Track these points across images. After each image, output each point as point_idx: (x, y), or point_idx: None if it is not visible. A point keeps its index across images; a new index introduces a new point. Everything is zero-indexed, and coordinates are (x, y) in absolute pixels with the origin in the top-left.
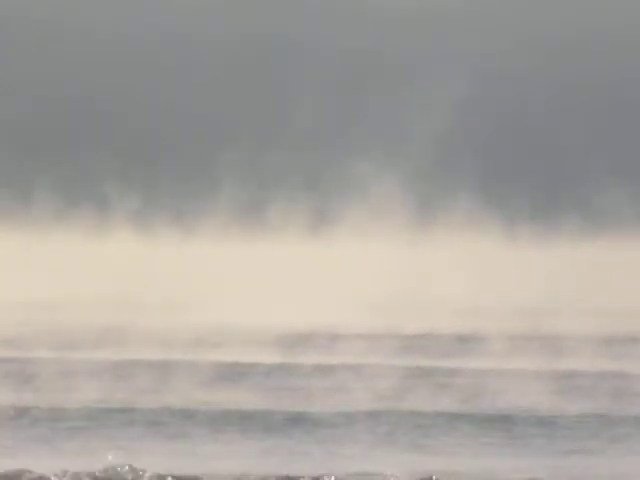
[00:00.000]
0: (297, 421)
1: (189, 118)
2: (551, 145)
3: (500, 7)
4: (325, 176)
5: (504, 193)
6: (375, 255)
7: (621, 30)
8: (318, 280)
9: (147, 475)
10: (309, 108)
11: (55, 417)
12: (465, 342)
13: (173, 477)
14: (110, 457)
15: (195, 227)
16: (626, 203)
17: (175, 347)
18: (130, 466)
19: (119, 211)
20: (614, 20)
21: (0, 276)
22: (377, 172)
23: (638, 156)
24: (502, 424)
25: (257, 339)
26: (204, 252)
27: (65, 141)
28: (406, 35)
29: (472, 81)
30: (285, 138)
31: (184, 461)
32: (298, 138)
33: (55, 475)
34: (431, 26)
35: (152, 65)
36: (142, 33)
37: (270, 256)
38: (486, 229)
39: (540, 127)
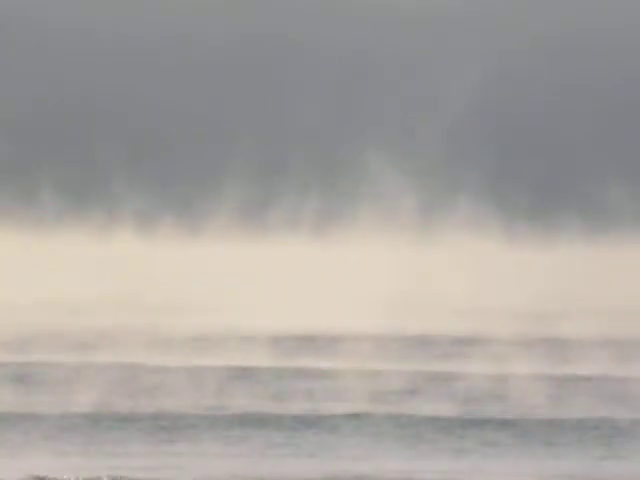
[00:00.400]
0: (301, 424)
1: (189, 118)
2: (552, 145)
3: (500, 7)
4: (326, 177)
5: (506, 194)
6: (377, 256)
7: (621, 30)
8: (320, 281)
9: None
10: (309, 108)
11: (58, 420)
12: (468, 344)
13: None
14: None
15: (199, 228)
16: (627, 203)
17: (179, 350)
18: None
19: (123, 212)
20: (614, 20)
21: (4, 276)
22: (377, 173)
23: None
24: (503, 427)
25: (260, 341)
26: (208, 253)
27: (65, 142)
28: (406, 35)
29: (472, 81)
30: (285, 138)
31: (184, 463)
32: (298, 138)
33: None
34: (431, 26)
35: (152, 65)
36: (142, 33)
37: (269, 257)
38: (489, 230)
39: (540, 127)
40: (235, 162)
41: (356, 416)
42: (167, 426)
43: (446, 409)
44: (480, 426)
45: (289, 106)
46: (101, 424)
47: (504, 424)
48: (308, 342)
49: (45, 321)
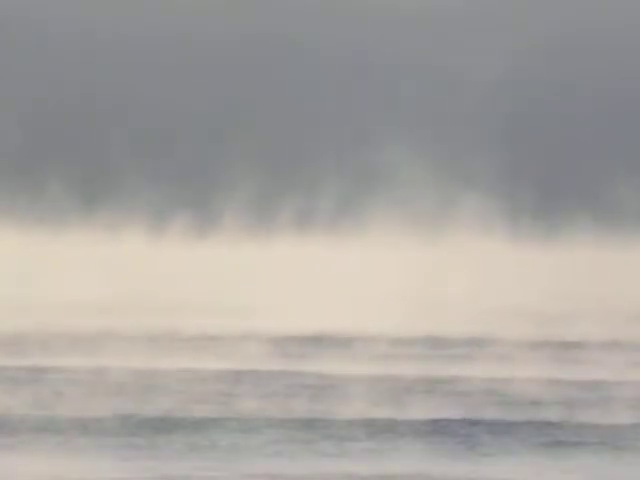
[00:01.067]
0: (305, 426)
1: (189, 118)
2: (555, 145)
3: (500, 7)
4: (327, 177)
5: (512, 193)
6: (385, 256)
7: (621, 30)
8: (330, 282)
9: None
10: (309, 108)
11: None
12: (477, 345)
13: None
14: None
15: (208, 228)
16: (634, 202)
17: (189, 351)
18: None
19: (131, 213)
20: (614, 20)
21: (11, 276)
22: (379, 173)
23: None
24: (507, 430)
25: (270, 342)
26: (218, 253)
27: (65, 142)
28: (406, 35)
29: (472, 81)
30: (285, 138)
31: (187, 464)
32: (298, 138)
33: None
34: (431, 26)
35: (152, 65)
36: (142, 33)
37: (278, 257)
38: (496, 229)
39: (543, 126)
40: (236, 163)
41: (362, 418)
42: (177, 428)
43: (452, 411)
44: (484, 428)
45: (289, 106)
46: (110, 427)
47: (508, 426)
48: (316, 343)
49: (50, 322)
